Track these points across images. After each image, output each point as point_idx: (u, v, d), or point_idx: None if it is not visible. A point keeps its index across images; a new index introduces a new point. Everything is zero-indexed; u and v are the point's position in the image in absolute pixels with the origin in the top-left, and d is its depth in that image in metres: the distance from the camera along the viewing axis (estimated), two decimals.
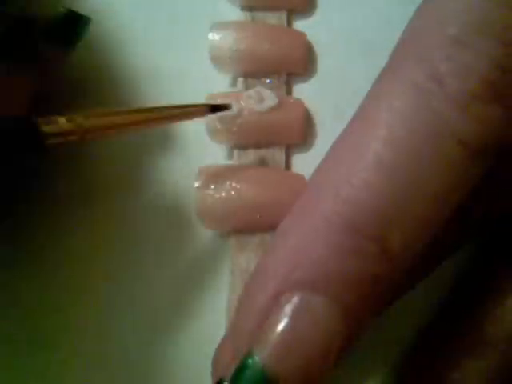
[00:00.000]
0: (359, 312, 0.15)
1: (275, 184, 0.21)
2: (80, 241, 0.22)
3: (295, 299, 0.15)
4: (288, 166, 0.23)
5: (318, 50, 0.24)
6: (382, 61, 0.17)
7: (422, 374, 0.19)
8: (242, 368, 0.15)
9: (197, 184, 0.21)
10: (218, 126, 0.22)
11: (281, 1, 0.24)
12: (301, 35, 0.23)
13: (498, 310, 0.18)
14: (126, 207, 0.22)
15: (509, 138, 0.15)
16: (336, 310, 0.15)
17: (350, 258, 0.15)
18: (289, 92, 0.23)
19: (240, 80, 0.23)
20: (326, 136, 0.23)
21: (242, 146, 0.22)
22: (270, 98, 0.22)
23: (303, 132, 0.23)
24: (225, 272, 0.21)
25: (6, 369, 0.21)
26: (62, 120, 0.17)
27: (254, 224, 0.21)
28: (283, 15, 0.24)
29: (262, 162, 0.22)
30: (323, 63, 0.24)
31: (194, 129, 0.23)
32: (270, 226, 0.20)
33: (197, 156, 0.23)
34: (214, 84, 0.23)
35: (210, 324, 0.21)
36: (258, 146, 0.22)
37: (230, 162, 0.23)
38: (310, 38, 0.24)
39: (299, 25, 0.24)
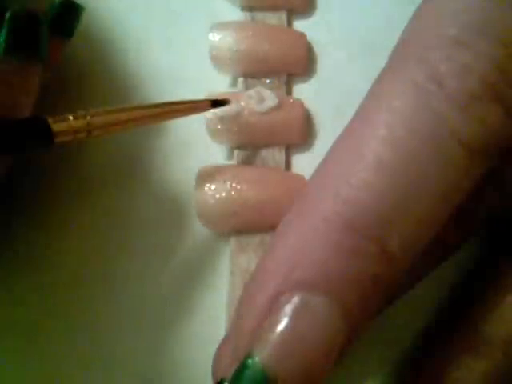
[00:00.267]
0: (359, 312, 0.15)
1: (275, 184, 0.21)
2: (80, 240, 0.22)
3: (295, 299, 0.15)
4: (288, 166, 0.23)
5: (318, 50, 0.24)
6: (382, 61, 0.17)
7: (422, 374, 0.19)
8: (242, 368, 0.15)
9: (197, 184, 0.21)
10: (219, 126, 0.22)
11: (281, 1, 0.24)
12: (301, 35, 0.24)
13: (498, 310, 0.18)
14: (126, 207, 0.22)
15: (510, 138, 0.16)
16: (336, 310, 0.15)
17: (350, 258, 0.15)
18: (289, 92, 0.23)
19: (240, 80, 0.23)
20: (326, 136, 0.23)
21: (242, 146, 0.22)
22: (270, 98, 0.22)
23: (303, 132, 0.23)
24: (225, 272, 0.21)
25: (6, 369, 0.21)
26: (70, 118, 0.18)
27: (254, 224, 0.21)
28: (283, 15, 0.24)
29: (262, 162, 0.22)
30: (323, 63, 0.24)
31: (195, 129, 0.23)
32: (270, 226, 0.20)
33: (197, 156, 0.23)
34: (214, 84, 0.23)
35: (210, 324, 0.21)
36: (257, 146, 0.22)
37: (230, 162, 0.23)
38: (309, 38, 0.24)
39: (299, 25, 0.24)
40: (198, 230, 0.22)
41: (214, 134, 0.22)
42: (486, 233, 0.21)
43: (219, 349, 0.18)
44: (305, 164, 0.23)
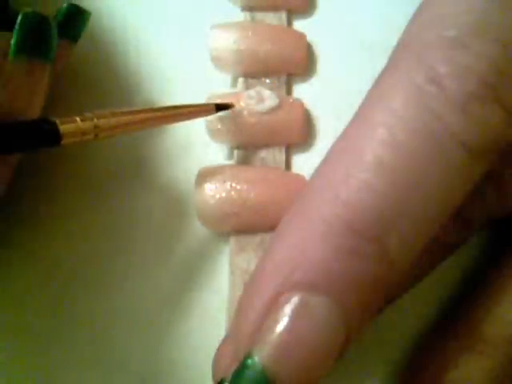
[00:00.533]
0: (359, 312, 0.15)
1: (275, 184, 0.21)
2: (79, 240, 0.22)
3: (294, 299, 0.15)
4: (288, 166, 0.23)
5: (318, 50, 0.24)
6: (382, 61, 0.17)
7: (422, 373, 0.19)
8: (241, 368, 0.15)
9: (197, 184, 0.21)
10: (219, 126, 0.22)
11: (281, 1, 0.24)
12: (301, 36, 0.23)
13: (498, 309, 0.18)
14: (126, 207, 0.22)
15: (510, 138, 0.16)
16: (335, 310, 0.15)
17: (350, 259, 0.15)
18: (289, 92, 0.23)
19: (240, 80, 0.23)
20: (326, 136, 0.23)
21: (242, 146, 0.22)
22: (270, 98, 0.22)
23: (303, 132, 0.23)
24: (225, 272, 0.21)
25: (5, 369, 0.21)
26: (78, 120, 0.18)
27: (254, 224, 0.21)
28: (283, 15, 0.24)
29: (262, 162, 0.22)
30: (323, 63, 0.24)
31: (195, 129, 0.23)
32: (270, 226, 0.20)
33: (197, 156, 0.23)
34: (214, 84, 0.23)
35: (210, 324, 0.21)
36: (258, 146, 0.22)
37: (230, 162, 0.23)
38: (309, 38, 0.24)
39: (299, 25, 0.24)
40: (198, 230, 0.22)
41: (213, 134, 0.22)
42: (486, 233, 0.21)
43: (219, 349, 0.18)
44: (305, 164, 0.23)
